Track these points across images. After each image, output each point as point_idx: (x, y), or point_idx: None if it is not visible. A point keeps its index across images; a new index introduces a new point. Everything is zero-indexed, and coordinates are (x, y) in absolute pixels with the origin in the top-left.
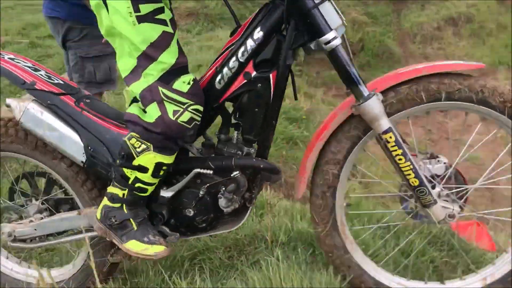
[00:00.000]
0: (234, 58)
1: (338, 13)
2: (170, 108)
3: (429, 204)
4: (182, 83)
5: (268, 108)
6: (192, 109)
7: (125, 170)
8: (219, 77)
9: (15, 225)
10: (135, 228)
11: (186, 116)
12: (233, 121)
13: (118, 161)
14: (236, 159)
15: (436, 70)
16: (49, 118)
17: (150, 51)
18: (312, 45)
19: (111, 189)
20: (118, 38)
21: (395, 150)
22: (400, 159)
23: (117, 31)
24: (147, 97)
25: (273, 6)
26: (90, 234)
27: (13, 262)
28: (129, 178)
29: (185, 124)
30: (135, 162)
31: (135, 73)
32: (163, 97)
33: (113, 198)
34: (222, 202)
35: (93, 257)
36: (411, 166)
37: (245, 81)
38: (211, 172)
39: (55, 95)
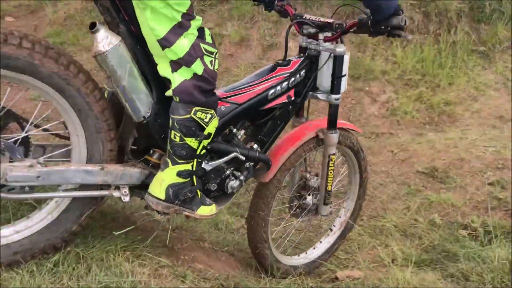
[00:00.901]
0: (286, 82)
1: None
2: (207, 60)
3: (327, 203)
4: (208, 35)
5: (284, 123)
6: (218, 56)
7: (191, 142)
8: (272, 90)
9: (9, 166)
10: (199, 195)
11: (217, 63)
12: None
13: (189, 138)
14: (260, 154)
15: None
16: (133, 63)
17: (190, 10)
18: (319, 95)
19: (177, 168)
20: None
21: (331, 167)
22: (331, 172)
23: None
24: (193, 55)
25: (311, 61)
26: (118, 193)
27: None
28: (196, 149)
29: (216, 71)
30: (206, 132)
31: (175, 34)
32: (204, 51)
33: (186, 174)
34: (234, 184)
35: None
36: (332, 178)
37: (286, 100)
38: (244, 158)
39: (138, 40)
